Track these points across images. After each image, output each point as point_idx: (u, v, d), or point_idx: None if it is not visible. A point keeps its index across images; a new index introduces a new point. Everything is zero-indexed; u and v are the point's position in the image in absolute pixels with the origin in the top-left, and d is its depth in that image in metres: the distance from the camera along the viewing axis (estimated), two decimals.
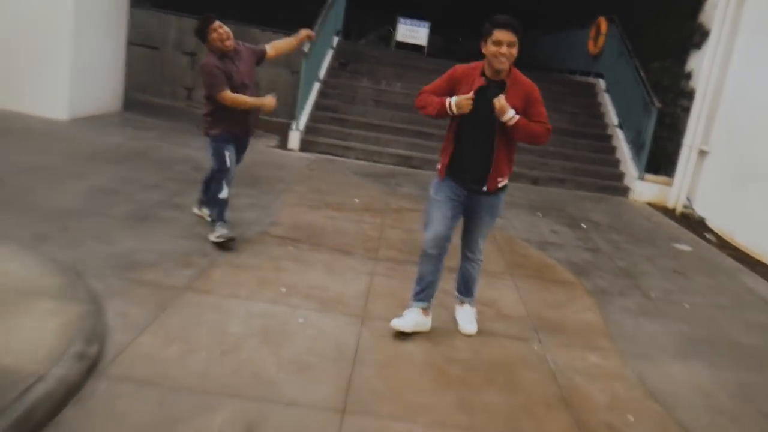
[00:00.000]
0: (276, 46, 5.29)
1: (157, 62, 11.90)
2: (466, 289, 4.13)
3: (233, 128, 4.89)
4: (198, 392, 2.99)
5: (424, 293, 3.92)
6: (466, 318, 4.09)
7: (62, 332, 3.06)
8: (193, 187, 6.42)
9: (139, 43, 11.31)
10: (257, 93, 4.93)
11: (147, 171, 6.80)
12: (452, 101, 3.61)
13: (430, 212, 3.84)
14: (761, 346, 4.59)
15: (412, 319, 3.86)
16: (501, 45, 3.48)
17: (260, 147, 9.09)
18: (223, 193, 4.89)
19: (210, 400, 2.93)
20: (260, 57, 5.14)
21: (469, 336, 4.00)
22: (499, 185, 3.79)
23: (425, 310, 3.93)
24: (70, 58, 8.57)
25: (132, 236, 4.85)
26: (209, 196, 5.09)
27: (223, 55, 4.74)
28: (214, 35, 4.68)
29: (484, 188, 3.73)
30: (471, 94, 3.56)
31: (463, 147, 3.74)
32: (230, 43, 4.73)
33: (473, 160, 3.72)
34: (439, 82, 3.82)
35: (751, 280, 6.29)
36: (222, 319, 3.74)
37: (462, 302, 4.15)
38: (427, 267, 3.88)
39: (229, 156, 4.89)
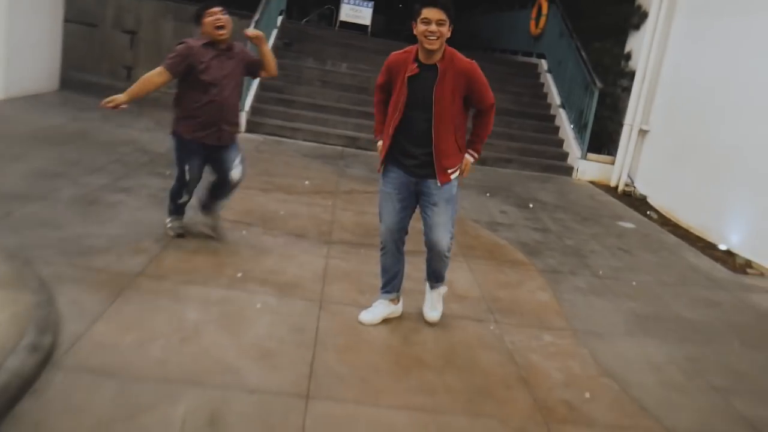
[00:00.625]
0: (265, 67, 4.57)
1: (95, 40, 11.48)
2: (435, 276, 3.92)
3: (197, 130, 4.29)
4: (158, 381, 2.91)
5: (390, 285, 3.89)
6: (431, 303, 3.97)
7: (14, 323, 2.94)
8: (139, 170, 6.25)
9: (75, 20, 10.85)
10: (231, 101, 4.39)
11: (90, 153, 6.56)
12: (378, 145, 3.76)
13: (381, 205, 3.76)
14: (706, 321, 4.76)
15: (380, 311, 3.87)
16: (429, 23, 3.32)
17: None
18: (183, 199, 4.60)
19: (171, 388, 2.86)
20: (254, 68, 4.55)
21: (432, 322, 3.93)
22: (451, 176, 3.63)
23: (394, 300, 3.92)
24: (3, 35, 8.17)
25: (79, 221, 4.69)
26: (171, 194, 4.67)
27: (211, 44, 4.26)
28: (210, 18, 4.21)
29: (437, 183, 3.58)
30: (380, 158, 3.68)
31: (402, 135, 3.58)
32: (224, 33, 4.25)
33: (414, 149, 3.57)
34: (380, 76, 3.76)
35: (693, 255, 6.51)
36: (178, 305, 3.65)
37: (430, 285, 3.98)
38: (388, 260, 3.85)
39: (188, 170, 4.39)
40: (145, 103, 10.08)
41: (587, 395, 3.40)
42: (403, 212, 3.72)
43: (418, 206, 3.75)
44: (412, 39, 3.48)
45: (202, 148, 4.34)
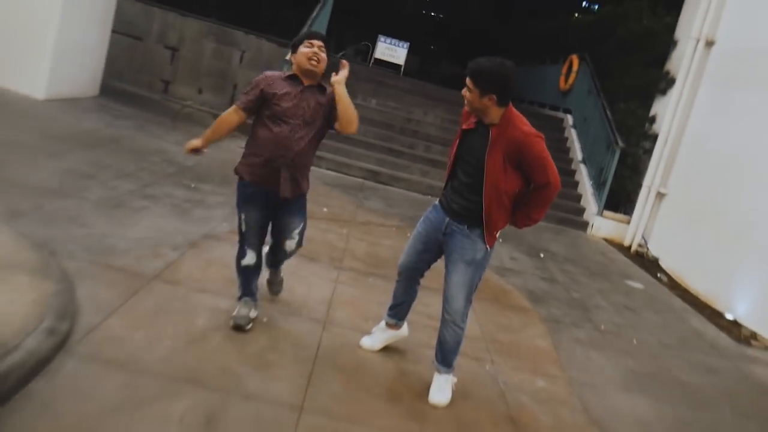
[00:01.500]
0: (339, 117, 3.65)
1: (138, 52, 11.86)
2: (442, 357, 3.62)
3: (255, 170, 3.64)
4: (162, 378, 3.04)
5: (395, 310, 3.92)
6: (438, 386, 3.60)
7: (35, 307, 3.10)
8: (166, 180, 6.46)
9: (122, 31, 11.26)
10: (303, 145, 3.61)
11: (121, 159, 6.79)
12: None
13: (410, 238, 3.77)
14: (702, 386, 4.80)
15: (381, 337, 3.96)
16: (464, 88, 3.33)
17: (234, 147, 9.10)
18: (246, 259, 3.80)
19: (173, 386, 3.00)
20: (332, 115, 3.67)
21: (437, 406, 3.52)
22: (499, 239, 3.62)
23: (396, 326, 3.95)
24: (53, 39, 8.51)
25: (105, 221, 4.87)
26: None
27: (296, 78, 3.63)
28: (305, 49, 3.59)
29: (479, 243, 3.43)
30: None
31: (454, 185, 3.52)
32: (319, 67, 3.61)
33: (461, 202, 3.46)
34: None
35: (698, 321, 6.55)
36: (189, 310, 3.80)
37: (438, 370, 3.64)
38: (399, 288, 3.87)
39: (245, 219, 3.74)
40: (179, 117, 10.42)
41: None
42: (423, 255, 3.69)
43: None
44: (444, 81, 3.57)
45: (263, 196, 3.67)
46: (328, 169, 9.55)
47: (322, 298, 4.59)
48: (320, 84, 3.68)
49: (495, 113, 3.31)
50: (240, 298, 3.85)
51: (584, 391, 4.16)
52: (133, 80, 11.79)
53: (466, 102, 3.36)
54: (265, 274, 4.14)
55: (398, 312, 3.94)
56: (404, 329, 4.03)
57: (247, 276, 3.83)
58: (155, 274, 4.18)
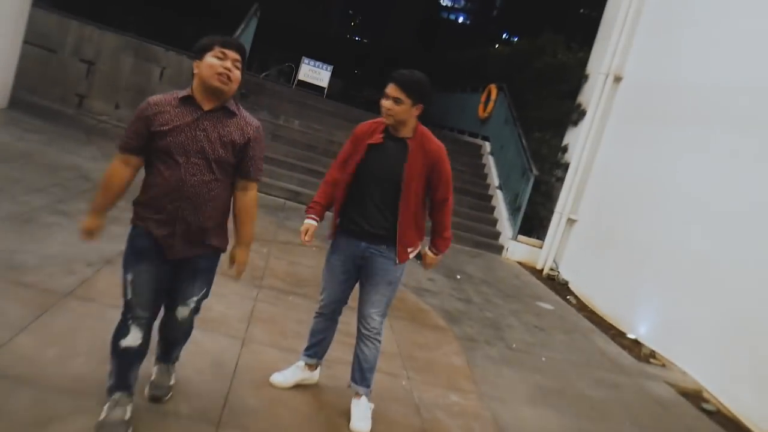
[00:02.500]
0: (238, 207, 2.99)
1: (52, 65, 11.49)
2: (361, 375, 3.60)
3: (149, 222, 2.83)
4: (75, 395, 3.00)
5: (313, 349, 3.75)
6: (359, 413, 3.55)
7: None
8: (80, 196, 6.31)
9: (34, 42, 10.90)
10: (204, 190, 2.79)
11: (32, 174, 6.58)
12: (310, 225, 3.57)
13: (325, 274, 3.64)
14: (604, 400, 5.07)
15: (294, 376, 3.74)
16: (387, 98, 3.28)
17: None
18: (128, 339, 2.84)
19: (87, 402, 2.94)
20: (245, 163, 2.90)
21: None
22: (411, 255, 3.52)
23: (312, 366, 3.79)
24: None
25: (14, 238, 4.73)
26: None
27: (192, 100, 2.80)
28: (215, 60, 2.74)
29: (392, 261, 3.46)
30: (306, 237, 3.51)
31: (357, 207, 3.45)
32: (229, 87, 2.78)
33: (371, 224, 3.42)
34: (346, 145, 3.59)
35: (603, 341, 6.89)
36: (103, 326, 3.68)
37: (357, 394, 3.61)
38: (320, 324, 3.72)
39: (131, 280, 2.83)
40: (94, 131, 10.17)
41: None
42: (346, 284, 3.61)
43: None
44: (367, 106, 3.55)
45: (157, 253, 2.82)
46: None
47: (241, 316, 4.60)
48: (225, 107, 2.83)
49: (412, 125, 3.37)
50: (111, 392, 2.86)
51: (495, 405, 4.33)
52: (45, 94, 11.40)
53: (388, 114, 3.29)
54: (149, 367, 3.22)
55: (319, 350, 3.77)
56: (317, 373, 3.85)
57: (125, 361, 2.86)
58: (68, 291, 4.10)
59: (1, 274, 4.04)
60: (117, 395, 2.85)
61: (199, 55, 2.79)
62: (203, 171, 2.77)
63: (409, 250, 3.50)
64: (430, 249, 3.66)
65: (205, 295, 3.07)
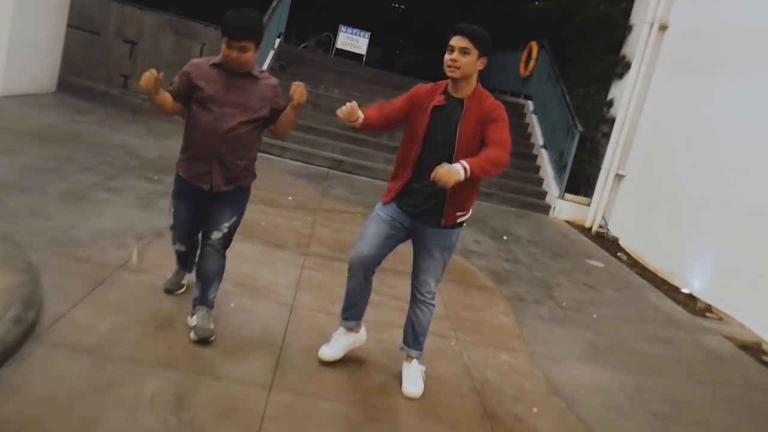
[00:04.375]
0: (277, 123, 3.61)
1: (96, 47, 11.69)
2: (414, 339, 3.59)
3: (189, 166, 3.50)
4: (131, 362, 3.09)
5: (349, 312, 3.62)
6: (411, 377, 3.55)
7: (0, 297, 3.10)
8: (128, 173, 6.46)
9: (78, 26, 11.09)
10: (235, 136, 3.40)
11: (83, 153, 6.75)
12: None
13: (365, 226, 3.50)
14: (658, 355, 4.99)
15: (341, 345, 3.64)
16: (452, 51, 3.18)
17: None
18: (176, 246, 3.85)
19: (143, 368, 3.05)
20: (272, 115, 3.53)
21: (412, 398, 3.46)
22: (458, 220, 3.41)
23: (354, 329, 3.67)
24: (6, 35, 8.38)
25: (68, 214, 4.86)
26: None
27: (223, 66, 3.39)
28: (225, 49, 3.33)
29: (441, 222, 3.35)
30: (352, 106, 3.27)
31: (419, 174, 3.30)
32: (242, 68, 3.36)
33: (425, 189, 3.29)
34: (398, 99, 3.44)
35: (656, 296, 6.76)
36: (156, 297, 3.84)
37: (409, 357, 3.61)
38: (353, 286, 3.55)
39: (174, 212, 3.68)
40: (139, 110, 10.35)
41: (535, 410, 3.61)
42: (387, 241, 3.44)
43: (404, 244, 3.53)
44: (405, 71, 3.38)
45: (194, 194, 3.52)
46: (292, 159, 9.59)
47: (289, 283, 4.66)
48: (249, 73, 3.42)
49: (473, 83, 3.28)
50: (176, 265, 4.04)
51: (546, 363, 4.30)
52: (91, 75, 11.63)
53: (455, 66, 3.17)
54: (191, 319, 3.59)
55: (355, 312, 3.63)
56: (363, 333, 3.74)
57: (179, 256, 3.96)
58: (121, 264, 4.20)
59: (57, 249, 4.16)
60: (177, 268, 4.03)
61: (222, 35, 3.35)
62: (236, 117, 3.38)
63: (458, 214, 3.38)
64: (461, 165, 2.98)
65: (237, 222, 3.61)
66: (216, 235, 3.52)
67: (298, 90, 3.37)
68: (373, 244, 3.41)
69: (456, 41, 3.19)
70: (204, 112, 3.37)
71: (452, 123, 3.25)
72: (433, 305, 3.56)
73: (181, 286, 4.04)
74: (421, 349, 3.61)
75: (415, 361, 3.60)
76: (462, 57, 3.17)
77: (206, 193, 3.47)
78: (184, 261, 3.99)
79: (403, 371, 3.60)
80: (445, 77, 3.30)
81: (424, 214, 3.37)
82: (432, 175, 2.93)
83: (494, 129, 3.21)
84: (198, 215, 3.59)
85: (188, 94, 3.40)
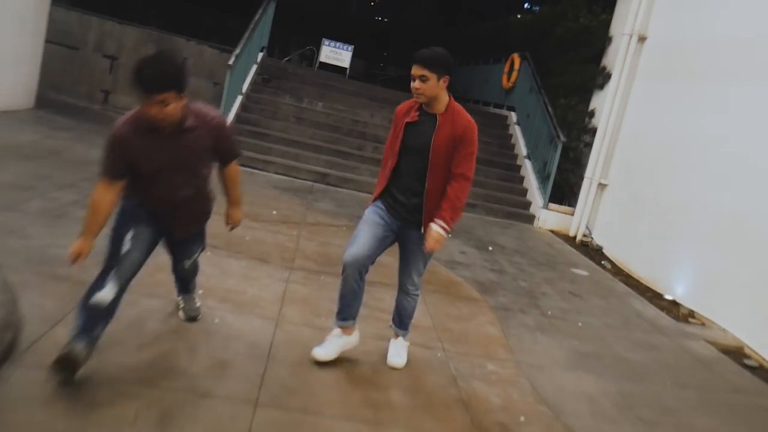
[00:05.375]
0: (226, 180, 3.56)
1: (75, 62, 11.66)
2: (401, 322, 3.97)
3: (150, 203, 3.24)
4: (114, 381, 3.07)
5: (345, 312, 3.72)
6: (396, 351, 3.97)
7: None
8: None
9: (57, 41, 11.06)
10: (187, 193, 3.26)
11: (62, 170, 6.71)
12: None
13: (358, 228, 3.67)
14: (643, 361, 5.02)
15: (335, 346, 3.74)
16: (414, 79, 3.46)
17: None
18: (103, 292, 3.04)
19: (126, 388, 3.02)
20: (222, 152, 3.33)
21: (395, 368, 3.88)
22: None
23: (348, 329, 3.77)
24: None
25: (46, 233, 4.82)
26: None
27: (156, 128, 3.00)
28: (145, 107, 2.92)
29: (421, 230, 3.63)
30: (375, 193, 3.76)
31: (396, 182, 3.67)
32: (169, 121, 2.97)
33: (405, 195, 3.64)
34: (391, 131, 3.77)
35: (640, 303, 6.81)
36: (139, 315, 3.81)
37: (396, 335, 4.01)
38: (347, 287, 3.64)
39: (132, 237, 3.15)
40: None
41: (522, 419, 3.62)
42: (380, 242, 3.64)
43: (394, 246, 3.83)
44: (389, 83, 3.63)
45: (153, 218, 3.27)
46: (276, 173, 9.58)
47: (274, 298, 4.65)
48: (182, 126, 3.05)
49: (443, 100, 3.55)
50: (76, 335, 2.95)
51: (532, 372, 4.31)
52: (71, 91, 11.58)
53: (419, 94, 3.47)
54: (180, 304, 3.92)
55: (351, 312, 3.73)
56: (356, 335, 3.83)
57: (94, 314, 3.00)
58: None
59: (36, 268, 4.13)
60: (77, 342, 2.91)
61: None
62: (186, 183, 3.22)
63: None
64: (437, 224, 3.52)
65: (203, 249, 3.75)
66: (188, 263, 3.69)
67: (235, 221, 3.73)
68: (367, 245, 3.61)
69: (415, 70, 3.44)
70: (149, 186, 3.14)
71: (426, 137, 3.53)
72: (418, 294, 3.95)
73: (75, 370, 2.90)
74: (407, 329, 4.02)
75: (401, 338, 4.03)
76: (423, 84, 3.44)
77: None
78: (95, 323, 3.00)
79: (390, 346, 4.02)
80: None
81: (407, 220, 3.69)
82: (425, 249, 3.56)
83: (462, 159, 3.55)
84: (153, 248, 3.33)
85: (127, 169, 3.06)
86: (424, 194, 3.58)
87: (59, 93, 11.29)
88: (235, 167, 3.49)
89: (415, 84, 3.45)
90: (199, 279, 4.51)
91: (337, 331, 3.78)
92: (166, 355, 3.45)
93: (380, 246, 3.69)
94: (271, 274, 5.14)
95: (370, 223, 3.68)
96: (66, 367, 2.84)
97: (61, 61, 11.41)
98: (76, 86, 11.72)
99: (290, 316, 4.39)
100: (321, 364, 3.70)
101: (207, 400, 3.10)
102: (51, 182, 6.14)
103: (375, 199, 3.78)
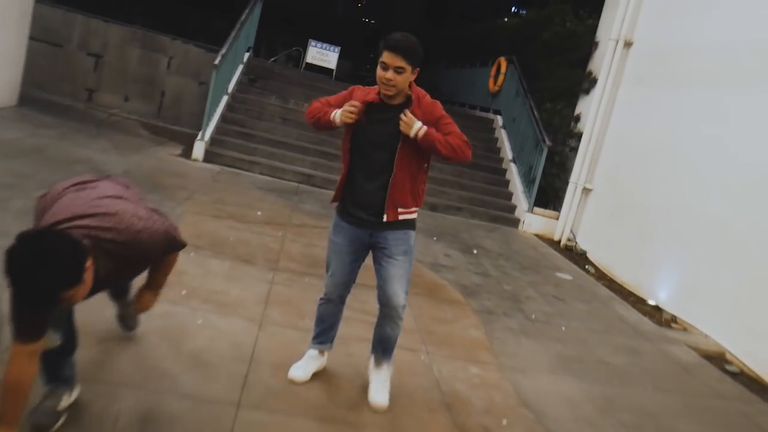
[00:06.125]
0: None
1: (60, 60, 11.54)
2: (383, 350, 3.60)
3: None
4: (94, 382, 3.03)
5: (325, 335, 3.66)
6: (378, 385, 3.56)
7: None
8: None
9: (40, 38, 10.94)
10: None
11: (45, 169, 6.64)
12: (337, 111, 3.21)
13: (330, 256, 3.51)
14: (625, 365, 5.05)
15: (312, 367, 3.63)
16: (387, 69, 3.08)
17: (163, 155, 9.03)
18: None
19: (107, 389, 3.00)
20: (146, 264, 2.87)
21: (378, 409, 3.48)
22: (400, 217, 3.33)
23: (323, 352, 3.70)
24: None
25: None
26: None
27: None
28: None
29: (384, 217, 3.30)
30: (358, 103, 3.17)
31: (356, 176, 3.33)
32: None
33: (368, 190, 3.31)
34: (336, 97, 3.39)
35: (623, 308, 6.85)
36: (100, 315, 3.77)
37: (378, 362, 3.61)
38: (328, 310, 3.61)
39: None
40: (104, 125, 10.23)
41: (504, 422, 3.63)
42: (354, 264, 3.49)
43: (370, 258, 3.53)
44: (375, 84, 3.26)
45: None
46: (261, 173, 9.54)
47: (258, 299, 4.62)
48: (109, 260, 2.50)
49: (407, 90, 3.23)
50: (45, 384, 2.70)
51: (515, 376, 4.32)
52: (54, 89, 11.44)
53: (390, 85, 3.11)
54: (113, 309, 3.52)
55: (331, 335, 3.69)
56: (325, 357, 3.75)
57: (51, 359, 2.63)
58: None
59: None
60: (51, 386, 2.71)
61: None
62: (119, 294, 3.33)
63: (400, 210, 3.32)
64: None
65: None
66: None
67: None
68: (344, 275, 3.49)
69: (390, 59, 3.06)
70: None
71: (393, 130, 3.20)
72: (402, 320, 3.50)
73: (58, 417, 2.69)
74: (390, 356, 3.61)
75: (385, 366, 3.60)
76: (397, 76, 3.09)
77: None
78: (59, 365, 2.71)
79: (371, 377, 3.60)
80: None
81: (372, 216, 3.34)
82: (401, 115, 3.14)
83: (446, 128, 3.26)
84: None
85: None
86: (388, 188, 3.26)
87: (43, 91, 11.16)
88: (173, 257, 2.97)
89: (388, 74, 3.07)
90: (183, 279, 4.51)
91: (314, 352, 3.66)
92: (148, 355, 3.43)
93: (355, 267, 3.51)
94: (255, 275, 5.11)
95: (336, 252, 3.46)
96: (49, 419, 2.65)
97: (45, 59, 11.28)
98: (60, 84, 11.59)
99: (274, 317, 4.37)
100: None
101: (189, 401, 3.08)
102: (34, 181, 6.07)
103: (337, 208, 3.48)
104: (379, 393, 3.52)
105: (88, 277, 2.30)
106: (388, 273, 3.38)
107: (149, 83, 11.92)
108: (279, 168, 9.81)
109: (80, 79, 11.74)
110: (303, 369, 3.59)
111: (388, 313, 3.46)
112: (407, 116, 3.14)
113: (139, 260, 2.69)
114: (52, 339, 2.50)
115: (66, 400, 2.73)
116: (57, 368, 2.69)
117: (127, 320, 3.48)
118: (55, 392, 2.69)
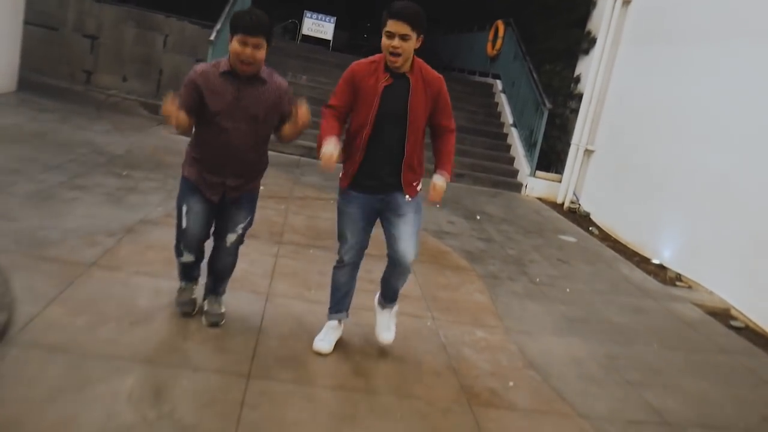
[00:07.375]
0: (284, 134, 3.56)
1: (55, 43, 11.48)
2: (391, 295, 3.73)
3: (201, 176, 3.41)
4: (107, 358, 3.09)
5: (341, 303, 3.70)
6: (385, 323, 3.74)
7: None
8: (96, 170, 6.39)
9: (35, 22, 10.88)
10: (246, 144, 3.36)
11: (48, 152, 6.67)
12: (322, 150, 3.23)
13: (344, 224, 3.53)
14: (630, 324, 5.09)
15: (332, 337, 3.68)
16: (393, 37, 3.12)
17: (163, 132, 9.02)
18: (184, 257, 3.61)
19: (120, 364, 3.05)
20: (283, 113, 3.43)
21: (385, 344, 3.72)
22: (419, 189, 3.48)
23: (341, 321, 3.75)
24: None
25: (35, 215, 4.81)
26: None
27: (232, 73, 3.25)
28: (238, 47, 3.15)
29: (407, 197, 3.42)
30: (333, 154, 3.19)
31: (368, 147, 3.34)
32: (252, 68, 3.22)
33: (383, 167, 3.39)
34: (339, 89, 3.41)
35: (627, 268, 6.88)
36: (130, 293, 3.83)
37: (383, 306, 3.77)
38: (343, 277, 3.65)
39: (186, 213, 3.45)
40: (104, 106, 10.23)
41: (511, 384, 3.68)
42: (368, 228, 3.55)
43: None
44: (373, 53, 3.35)
45: (205, 191, 3.43)
46: None
47: (263, 272, 4.67)
48: (258, 76, 3.28)
49: (411, 59, 3.27)
50: (181, 280, 3.76)
51: (521, 338, 4.37)
52: (52, 72, 11.41)
53: (396, 53, 3.14)
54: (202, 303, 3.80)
55: (344, 303, 3.73)
56: (342, 327, 3.80)
57: (186, 269, 3.71)
58: (93, 261, 4.18)
59: (26, 250, 4.12)
60: (183, 284, 3.75)
61: (231, 33, 3.18)
62: (248, 134, 3.32)
63: (414, 183, 3.46)
64: (441, 175, 3.43)
65: (251, 222, 3.67)
66: (231, 237, 3.61)
67: (303, 113, 3.29)
68: (360, 240, 3.55)
69: (396, 27, 3.11)
70: (215, 130, 3.29)
71: (402, 99, 3.27)
72: (410, 272, 3.64)
73: (195, 304, 3.75)
74: (395, 302, 3.78)
75: (390, 307, 3.77)
76: (404, 43, 3.13)
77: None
78: (191, 273, 3.74)
79: (377, 318, 3.78)
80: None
81: (388, 187, 3.43)
82: (430, 199, 3.40)
83: (444, 113, 3.45)
84: (211, 218, 3.52)
85: (197, 107, 3.25)
86: (403, 159, 3.35)
87: (41, 75, 11.12)
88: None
89: (394, 42, 3.11)
90: None
91: (333, 323, 3.71)
92: (158, 331, 3.48)
93: (368, 231, 3.58)
94: (260, 248, 5.15)
95: (348, 221, 3.51)
96: (188, 307, 3.72)
97: (42, 43, 11.24)
98: (58, 67, 11.55)
99: (280, 289, 4.42)
100: (312, 336, 3.70)
101: (201, 374, 3.14)
102: (37, 165, 6.10)
103: (347, 180, 3.47)
104: (384, 331, 3.72)
105: (262, 55, 3.19)
106: (399, 230, 3.46)
107: (146, 62, 11.86)
108: None
109: (77, 62, 11.69)
110: (326, 341, 3.66)
111: (398, 270, 3.57)
112: (436, 190, 3.40)
113: (276, 103, 3.39)
114: (187, 258, 3.59)
115: (196, 291, 3.80)
116: (191, 272, 3.72)
117: (213, 316, 3.70)
118: (188, 286, 3.77)
